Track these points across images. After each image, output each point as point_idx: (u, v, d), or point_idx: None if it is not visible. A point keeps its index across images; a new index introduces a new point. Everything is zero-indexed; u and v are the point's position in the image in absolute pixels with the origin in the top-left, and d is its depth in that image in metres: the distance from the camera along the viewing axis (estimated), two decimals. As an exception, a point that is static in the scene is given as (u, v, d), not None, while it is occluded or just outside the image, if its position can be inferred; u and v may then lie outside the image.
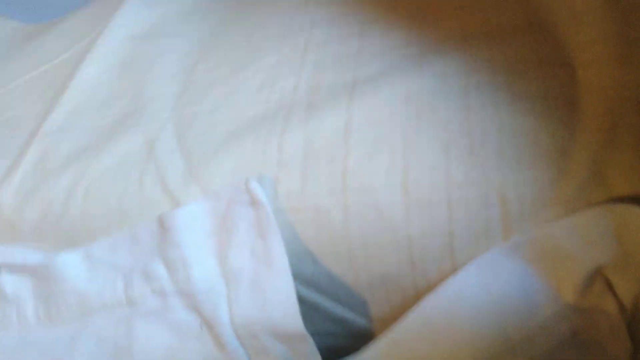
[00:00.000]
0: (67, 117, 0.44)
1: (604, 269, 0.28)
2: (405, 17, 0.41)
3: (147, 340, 0.35)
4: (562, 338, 0.29)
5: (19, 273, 0.37)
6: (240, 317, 0.34)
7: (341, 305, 0.36)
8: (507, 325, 0.30)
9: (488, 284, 0.31)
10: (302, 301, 0.33)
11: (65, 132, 0.43)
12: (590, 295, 0.29)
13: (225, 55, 0.45)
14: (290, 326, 0.33)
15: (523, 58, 0.35)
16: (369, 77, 0.37)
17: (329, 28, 0.43)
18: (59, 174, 0.40)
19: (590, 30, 0.34)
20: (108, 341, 0.36)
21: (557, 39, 0.35)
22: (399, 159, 0.33)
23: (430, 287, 0.33)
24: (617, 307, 0.28)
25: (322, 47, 0.41)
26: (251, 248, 0.34)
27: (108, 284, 0.36)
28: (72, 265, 0.37)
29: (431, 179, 0.32)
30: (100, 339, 0.36)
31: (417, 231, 0.32)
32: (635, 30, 0.33)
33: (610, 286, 0.28)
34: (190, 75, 0.44)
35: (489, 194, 0.31)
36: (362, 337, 0.36)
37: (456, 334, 0.30)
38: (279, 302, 0.33)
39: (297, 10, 0.46)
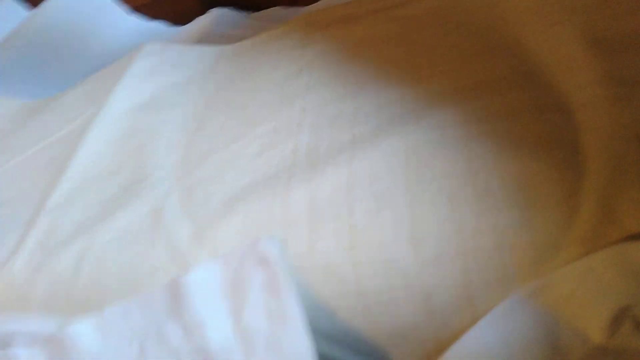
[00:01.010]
0: (71, 192, 0.44)
1: (630, 308, 0.27)
2: (396, 76, 0.42)
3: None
4: (595, 380, 0.28)
5: (33, 346, 0.37)
6: (257, 379, 0.33)
7: (362, 356, 0.35)
8: (537, 374, 0.29)
9: (511, 334, 0.30)
10: (321, 355, 0.33)
11: (70, 207, 0.43)
12: (620, 335, 0.28)
13: (222, 124, 0.46)
14: (309, 385, 0.32)
15: (518, 106, 0.35)
16: (367, 134, 0.38)
17: (323, 91, 0.44)
18: (67, 246, 0.40)
19: (579, 75, 0.34)
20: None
21: (549, 86, 0.36)
22: (404, 212, 0.33)
23: (453, 338, 0.32)
24: (649, 344, 0.28)
25: (318, 109, 0.42)
26: (266, 307, 0.34)
27: (123, 350, 0.35)
28: (85, 334, 0.36)
29: (441, 231, 0.32)
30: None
31: (432, 284, 0.32)
32: (626, 70, 0.34)
33: (639, 325, 0.28)
34: (189, 144, 0.45)
35: (502, 241, 0.31)
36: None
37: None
38: (297, 360, 0.33)
39: (290, 77, 0.47)
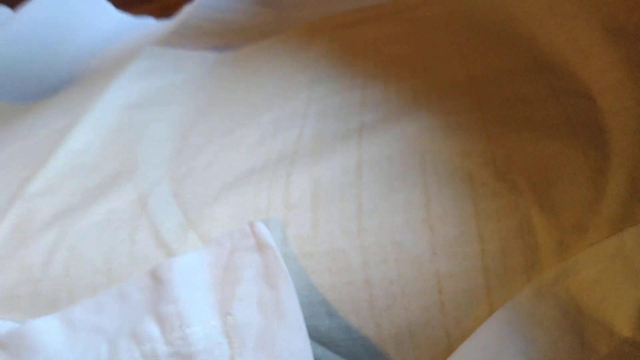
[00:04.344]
0: (53, 181, 0.41)
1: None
2: (405, 69, 0.41)
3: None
4: (626, 378, 0.25)
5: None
6: (246, 382, 0.29)
7: (361, 366, 0.31)
8: (561, 372, 0.26)
9: (532, 326, 0.27)
10: (315, 363, 0.29)
11: (49, 195, 0.40)
12: (651, 326, 0.25)
13: (222, 116, 0.43)
14: (306, 390, 0.28)
15: (537, 93, 0.34)
16: (377, 120, 0.36)
17: (330, 83, 0.42)
18: (40, 235, 0.36)
19: (599, 61, 0.33)
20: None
21: (568, 74, 0.34)
22: (418, 194, 0.30)
23: (465, 338, 0.29)
24: (685, 337, 0.25)
25: (325, 100, 0.40)
26: (259, 299, 0.30)
27: (90, 351, 0.31)
28: (48, 332, 0.32)
29: (458, 212, 0.29)
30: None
31: (446, 270, 0.29)
32: None
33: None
34: (186, 137, 0.42)
35: (524, 222, 0.28)
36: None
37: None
38: (292, 360, 0.29)
39: (296, 71, 0.45)
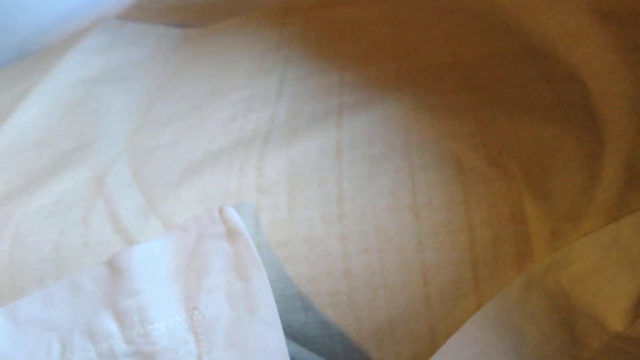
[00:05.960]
0: None
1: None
2: (387, 51, 0.38)
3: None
4: (617, 374, 0.24)
5: None
6: (214, 382, 0.26)
7: (337, 365, 0.29)
8: (552, 367, 0.24)
9: (522, 320, 0.25)
10: (288, 361, 0.27)
11: None
12: (643, 320, 0.24)
13: (187, 93, 0.40)
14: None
15: (527, 76, 0.32)
16: (357, 101, 0.33)
17: (305, 64, 0.39)
18: None
19: (590, 44, 0.32)
20: None
21: (558, 58, 0.33)
22: (404, 177, 0.28)
23: (450, 334, 0.27)
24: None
25: (300, 81, 0.37)
26: (228, 291, 0.27)
27: (40, 349, 0.28)
28: (-11, 329, 0.28)
29: (445, 198, 0.27)
30: None
31: (432, 260, 0.27)
32: (638, 39, 0.31)
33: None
34: (148, 113, 0.39)
35: (515, 209, 0.26)
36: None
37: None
38: (265, 358, 0.26)
39: (267, 51, 0.42)
